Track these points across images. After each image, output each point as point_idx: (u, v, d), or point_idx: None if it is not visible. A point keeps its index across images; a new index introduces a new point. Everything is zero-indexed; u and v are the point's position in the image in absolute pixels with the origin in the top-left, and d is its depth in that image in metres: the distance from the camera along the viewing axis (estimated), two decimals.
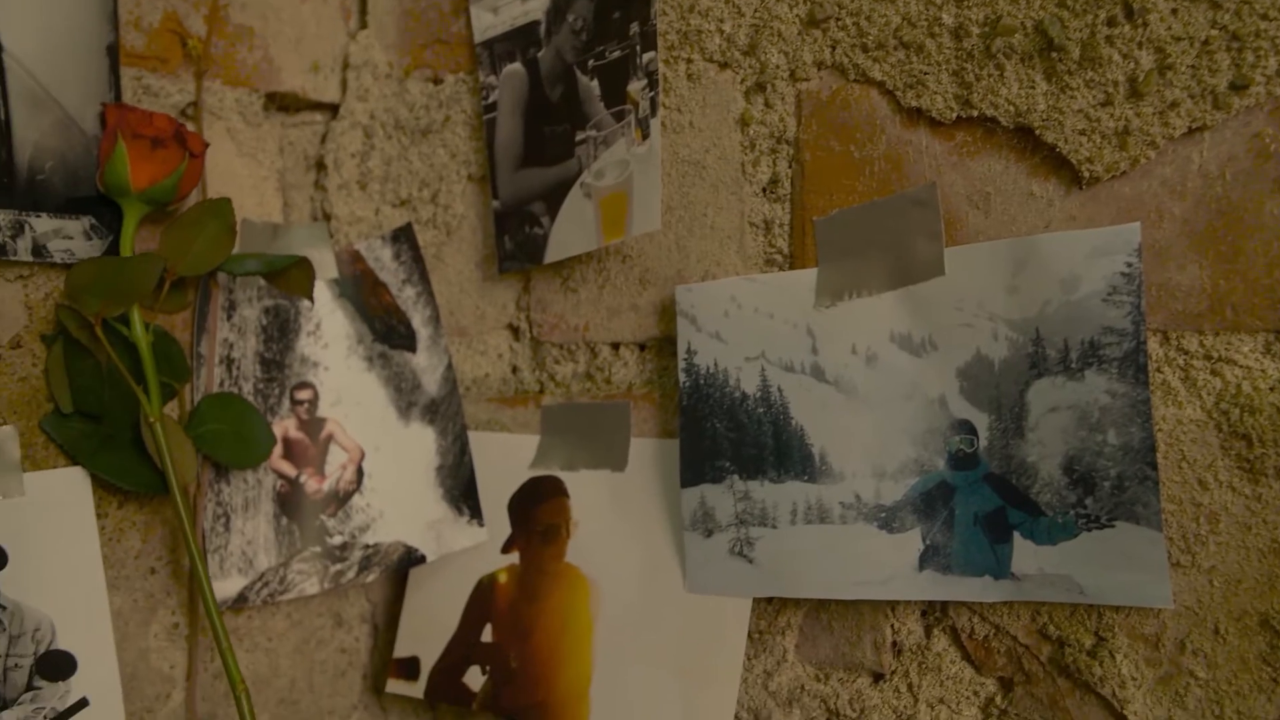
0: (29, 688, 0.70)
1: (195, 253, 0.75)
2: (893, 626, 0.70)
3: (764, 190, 0.73)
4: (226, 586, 0.80)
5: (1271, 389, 0.57)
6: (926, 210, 0.65)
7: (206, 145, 0.77)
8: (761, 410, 0.71)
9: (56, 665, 0.71)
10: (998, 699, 0.67)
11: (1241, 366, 0.58)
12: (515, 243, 0.82)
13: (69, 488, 0.74)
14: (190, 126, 0.81)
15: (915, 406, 0.66)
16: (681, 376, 0.74)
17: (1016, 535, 0.63)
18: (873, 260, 0.67)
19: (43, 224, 0.73)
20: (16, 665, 0.70)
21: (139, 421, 0.76)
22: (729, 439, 0.72)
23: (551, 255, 0.79)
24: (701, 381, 0.73)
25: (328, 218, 0.90)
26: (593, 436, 0.80)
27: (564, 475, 0.81)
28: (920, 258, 0.66)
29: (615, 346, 0.80)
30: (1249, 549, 0.58)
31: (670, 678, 0.73)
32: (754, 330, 0.71)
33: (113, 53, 0.77)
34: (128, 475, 0.75)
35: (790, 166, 0.71)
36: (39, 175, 0.73)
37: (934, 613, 0.68)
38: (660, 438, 0.77)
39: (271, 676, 0.84)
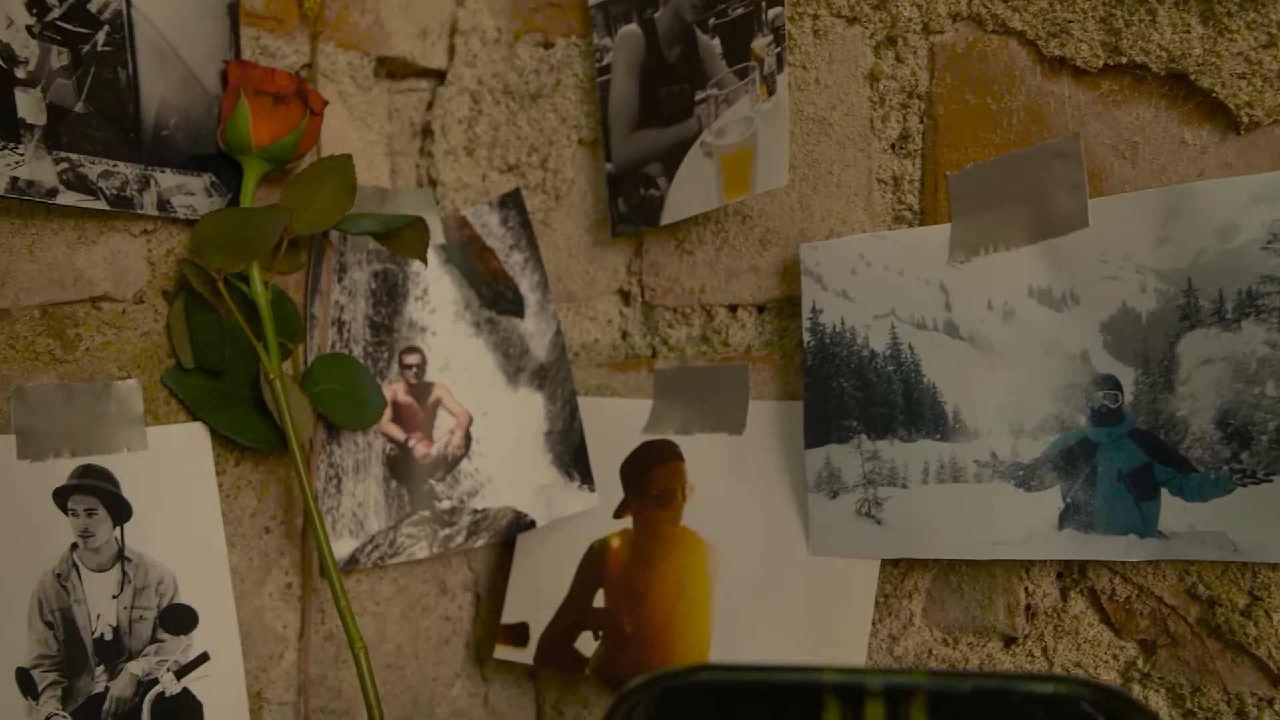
0: (153, 640, 0.70)
1: (315, 210, 0.75)
2: (1026, 589, 0.68)
3: (893, 146, 0.72)
4: (338, 548, 0.79)
5: None
6: (1069, 161, 0.64)
7: (326, 103, 0.77)
8: (891, 368, 0.70)
9: (179, 619, 0.71)
10: (1139, 662, 0.65)
11: None
12: (630, 205, 0.81)
13: (190, 443, 0.74)
14: None
15: (1055, 362, 0.65)
16: (806, 336, 0.73)
17: (1164, 492, 0.62)
18: (1010, 214, 0.66)
19: (167, 179, 0.73)
20: (141, 617, 0.70)
21: (256, 379, 0.76)
22: (856, 398, 0.71)
23: (669, 216, 0.79)
24: (827, 341, 0.72)
25: (434, 184, 0.90)
26: (708, 399, 0.79)
27: (678, 439, 0.80)
28: (1062, 210, 0.64)
29: (733, 309, 0.79)
30: None
31: (794, 641, 0.72)
32: (883, 288, 0.70)
33: (233, 12, 0.77)
34: (247, 431, 0.75)
35: (922, 121, 0.70)
36: (164, 131, 0.73)
37: (1071, 574, 0.67)
38: (780, 400, 0.76)
39: (379, 641, 0.84)
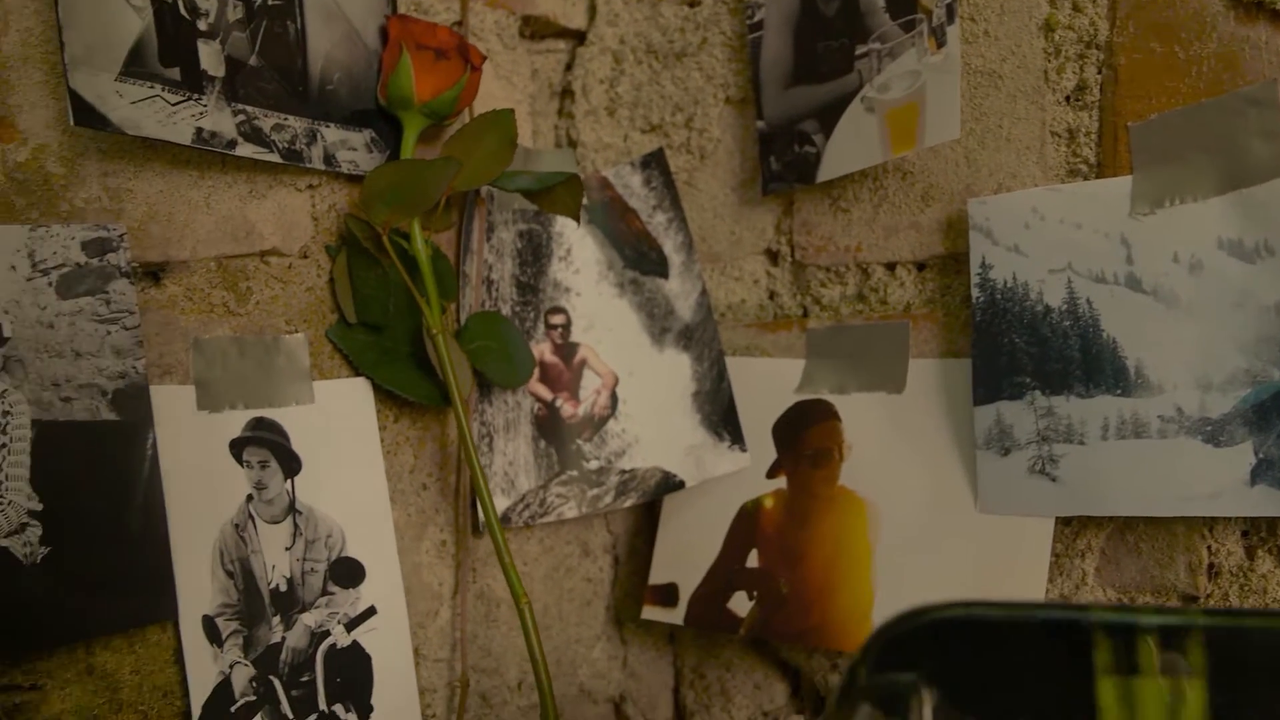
0: (323, 592, 0.70)
1: (474, 165, 0.74)
2: (1209, 547, 0.67)
3: (1068, 98, 0.70)
4: None
5: None
6: (1265, 109, 0.63)
7: (484, 58, 0.77)
8: (1068, 323, 0.69)
9: (347, 572, 0.72)
10: None
11: None
12: (783, 163, 0.80)
13: (354, 398, 0.74)
14: None
15: (1247, 315, 0.64)
16: (975, 292, 0.72)
17: None
18: (1198, 164, 0.65)
19: (332, 134, 0.73)
20: (312, 569, 0.70)
21: (415, 336, 0.76)
22: (1029, 354, 0.70)
23: (825, 173, 0.78)
24: (998, 296, 0.71)
25: (573, 144, 0.90)
26: (865, 358, 0.78)
27: (833, 398, 0.79)
28: (1256, 159, 0.63)
29: (891, 266, 0.78)
30: None
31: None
32: (1059, 241, 0.69)
33: None
34: (410, 387, 0.75)
35: (1100, 72, 0.69)
36: (328, 86, 0.73)
37: (1258, 532, 0.66)
38: (942, 358, 0.75)
39: None
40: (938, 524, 0.73)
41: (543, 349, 0.83)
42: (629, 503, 0.82)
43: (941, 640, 0.43)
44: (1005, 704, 0.42)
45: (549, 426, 0.82)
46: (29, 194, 0.61)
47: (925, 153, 0.75)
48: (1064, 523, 0.71)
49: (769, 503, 0.80)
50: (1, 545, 0.57)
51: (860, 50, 0.76)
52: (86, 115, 0.59)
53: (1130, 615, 0.41)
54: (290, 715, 0.67)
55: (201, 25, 0.65)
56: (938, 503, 0.73)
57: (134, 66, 0.62)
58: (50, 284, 0.60)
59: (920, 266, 0.77)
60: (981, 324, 0.72)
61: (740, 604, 0.79)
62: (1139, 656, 0.41)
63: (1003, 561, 0.70)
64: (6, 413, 0.58)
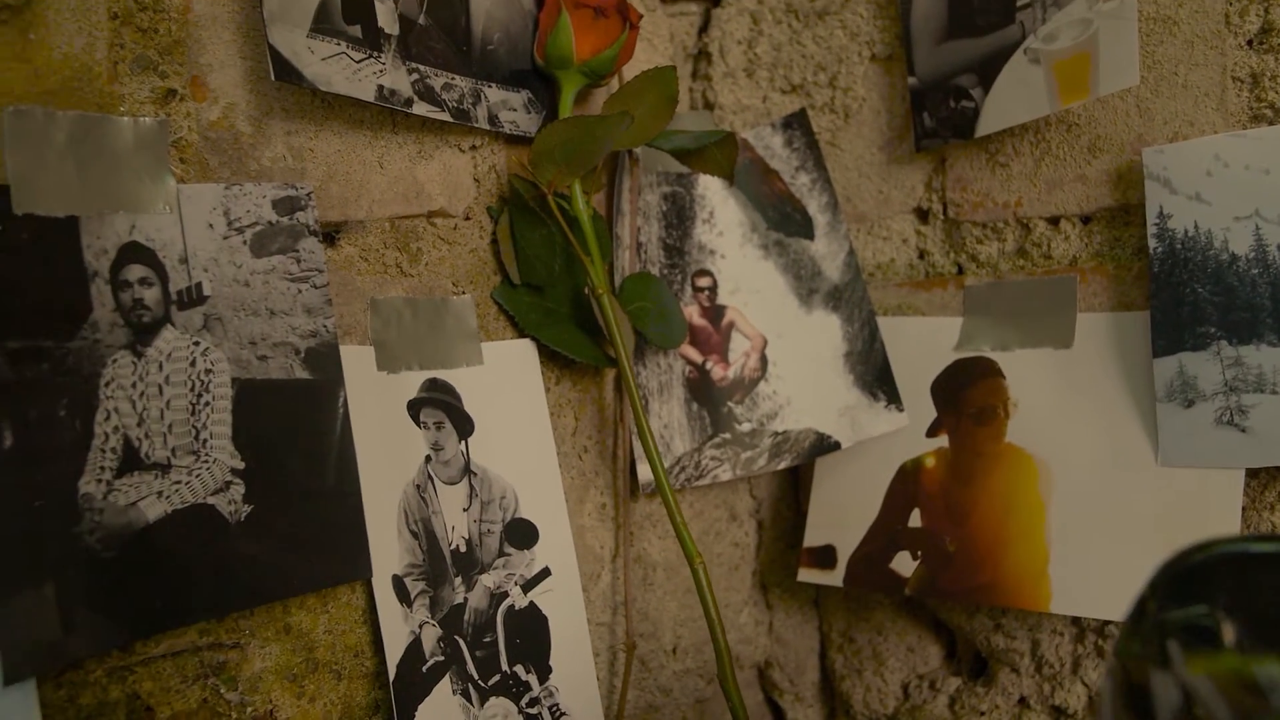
0: (500, 553, 0.70)
1: (635, 124, 0.74)
2: None
3: (1250, 42, 0.69)
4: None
5: None
6: None
7: (641, 16, 0.76)
8: (1256, 271, 0.67)
9: (522, 533, 0.71)
10: None
11: None
12: (937, 119, 0.79)
13: (520, 359, 0.74)
14: None
15: None
16: (1152, 243, 0.70)
17: None
18: None
19: (494, 94, 0.72)
20: (489, 531, 0.70)
21: (576, 297, 0.76)
22: (1213, 304, 0.69)
23: (985, 128, 0.77)
24: (1178, 246, 0.70)
25: (710, 107, 0.89)
26: (1029, 314, 0.77)
27: (995, 355, 0.78)
28: None
29: (1054, 220, 0.77)
30: None
31: (1147, 557, 0.70)
32: (1245, 188, 0.68)
33: None
34: (576, 347, 0.74)
35: None
36: (489, 45, 0.72)
37: None
38: (1113, 311, 0.74)
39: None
40: (1116, 479, 0.72)
41: (691, 311, 0.83)
42: (783, 465, 0.81)
43: (1230, 574, 0.42)
44: None
45: (700, 389, 0.82)
46: (221, 153, 0.60)
47: (1092, 104, 0.74)
48: (1251, 475, 0.69)
49: (930, 461, 0.79)
50: (208, 503, 0.57)
51: (1022, 1, 0.75)
52: (285, 71, 0.59)
53: None
54: (476, 676, 0.67)
55: None
56: (1115, 457, 0.72)
57: (322, 23, 0.61)
58: (245, 242, 0.60)
59: (1086, 220, 0.76)
60: (1160, 275, 0.70)
61: (904, 564, 0.78)
62: None
63: (1189, 515, 0.69)
64: (209, 370, 0.58)
